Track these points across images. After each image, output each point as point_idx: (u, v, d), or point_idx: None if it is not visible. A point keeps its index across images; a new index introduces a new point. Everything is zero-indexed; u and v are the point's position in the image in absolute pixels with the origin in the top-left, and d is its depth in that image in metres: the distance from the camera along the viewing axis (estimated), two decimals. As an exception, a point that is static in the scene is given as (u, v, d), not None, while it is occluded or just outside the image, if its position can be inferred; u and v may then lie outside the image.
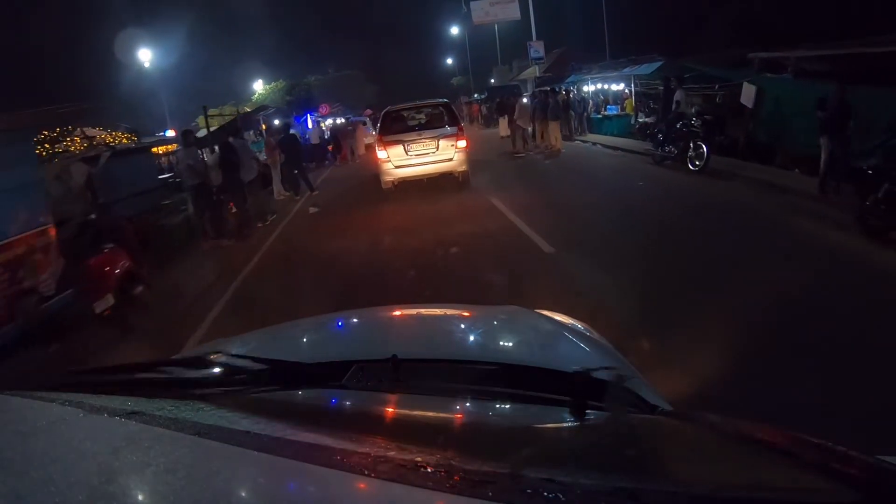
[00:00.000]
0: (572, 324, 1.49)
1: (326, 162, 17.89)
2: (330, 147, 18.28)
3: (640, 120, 13.33)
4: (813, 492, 0.56)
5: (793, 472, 0.61)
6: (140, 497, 0.56)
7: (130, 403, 0.78)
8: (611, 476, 0.57)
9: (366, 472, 0.54)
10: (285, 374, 0.96)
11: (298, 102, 23.68)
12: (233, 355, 1.07)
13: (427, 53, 55.07)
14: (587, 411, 0.80)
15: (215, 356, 1.07)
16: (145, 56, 24.76)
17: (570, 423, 0.81)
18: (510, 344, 1.43)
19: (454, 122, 9.29)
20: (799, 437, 0.65)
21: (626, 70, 14.12)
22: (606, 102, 16.59)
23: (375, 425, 0.82)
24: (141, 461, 0.61)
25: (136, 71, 25.12)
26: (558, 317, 1.53)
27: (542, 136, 13.50)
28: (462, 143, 9.03)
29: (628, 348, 1.85)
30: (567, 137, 14.62)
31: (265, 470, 0.59)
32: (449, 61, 54.82)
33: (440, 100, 10.23)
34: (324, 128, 20.99)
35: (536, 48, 21.18)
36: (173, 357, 1.29)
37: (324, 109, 21.77)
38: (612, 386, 0.85)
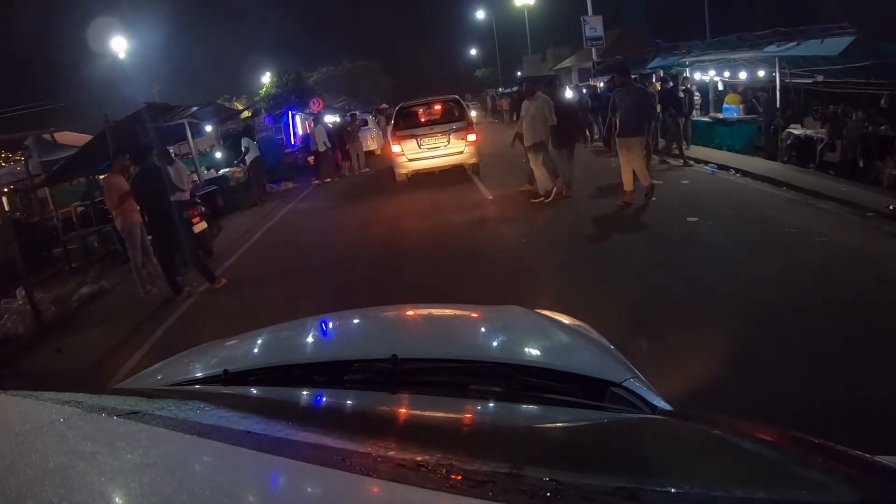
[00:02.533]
0: (573, 324, 1.51)
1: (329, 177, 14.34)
2: (310, 160, 12.46)
3: (797, 132, 9.44)
4: (813, 492, 0.57)
5: (793, 472, 0.64)
6: (140, 497, 0.59)
7: (130, 403, 0.83)
8: (611, 476, 0.60)
9: (366, 472, 0.58)
10: (286, 374, 1.01)
11: (286, 96, 18.05)
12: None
13: (449, 43, 56.49)
14: (587, 411, 0.84)
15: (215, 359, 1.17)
16: (119, 45, 21.86)
17: (570, 423, 0.83)
18: (510, 344, 1.43)
19: (464, 116, 10.51)
20: (799, 437, 0.67)
21: (769, 49, 9.35)
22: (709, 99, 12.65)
23: (375, 425, 0.83)
24: (141, 461, 0.65)
25: (110, 62, 22.57)
26: (559, 317, 1.56)
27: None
28: (472, 137, 10.13)
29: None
30: (664, 151, 10.85)
31: (265, 470, 0.63)
32: (473, 52, 53.80)
33: (451, 96, 11.39)
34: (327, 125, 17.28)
35: (593, 25, 15.54)
36: (172, 358, 1.36)
37: (316, 105, 16.40)
38: (612, 386, 0.89)
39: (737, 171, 9.10)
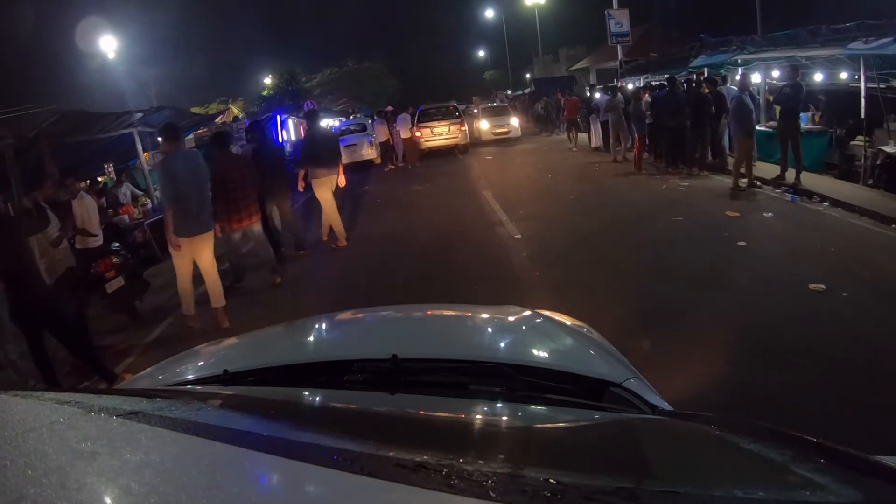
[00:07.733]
0: (573, 324, 1.50)
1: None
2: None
3: (890, 150, 7.37)
4: (813, 492, 0.56)
5: (793, 472, 0.62)
6: (139, 497, 0.58)
7: (130, 403, 0.82)
8: (611, 476, 0.60)
9: (366, 473, 0.58)
10: (286, 373, 0.99)
11: (279, 99, 16.54)
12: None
13: (457, 44, 54.93)
14: (587, 411, 0.83)
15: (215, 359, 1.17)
16: (109, 45, 20.95)
17: (570, 423, 0.82)
18: (510, 344, 1.40)
19: (459, 115, 17.15)
20: (799, 437, 0.66)
21: (853, 46, 7.43)
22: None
23: (375, 425, 0.82)
24: (141, 461, 0.65)
25: (103, 63, 21.68)
26: (558, 317, 1.54)
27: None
28: (464, 128, 16.72)
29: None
30: (713, 167, 9.58)
31: (265, 470, 0.63)
32: (481, 53, 53.22)
33: (451, 102, 18.62)
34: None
35: (619, 20, 13.69)
36: (172, 358, 1.34)
37: (309, 107, 14.69)
38: (613, 386, 0.88)
39: (821, 197, 7.48)
